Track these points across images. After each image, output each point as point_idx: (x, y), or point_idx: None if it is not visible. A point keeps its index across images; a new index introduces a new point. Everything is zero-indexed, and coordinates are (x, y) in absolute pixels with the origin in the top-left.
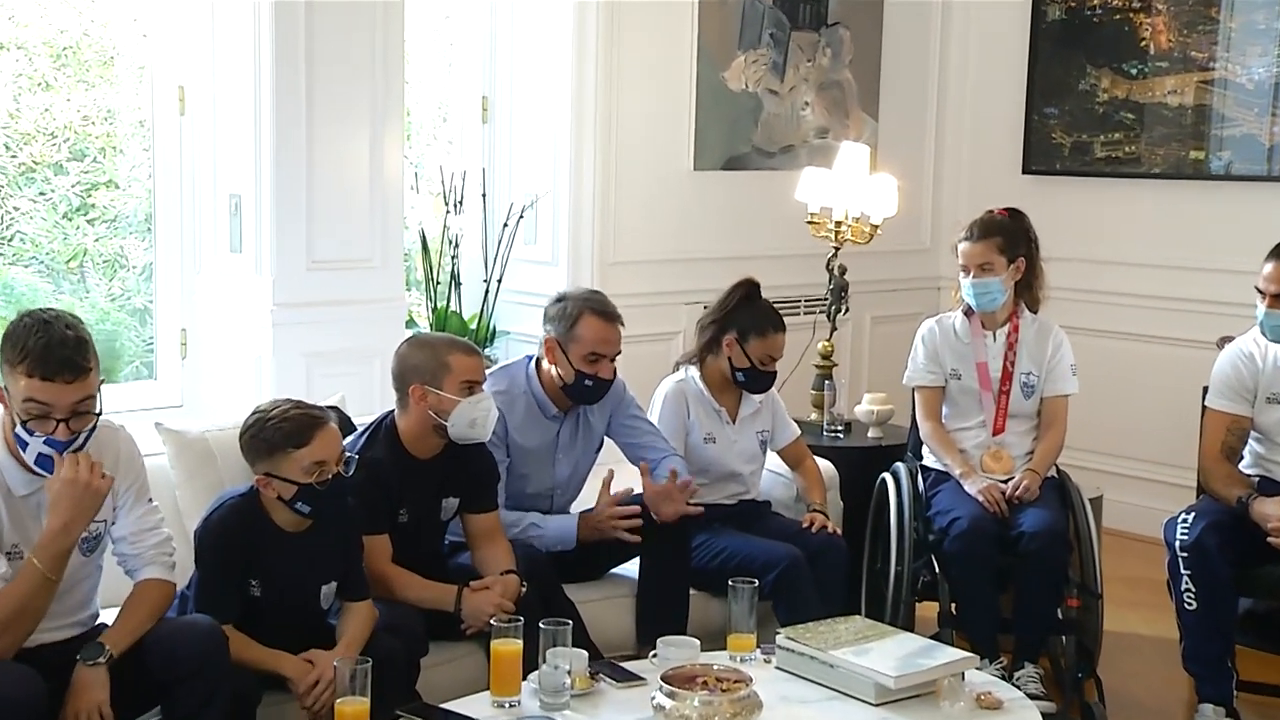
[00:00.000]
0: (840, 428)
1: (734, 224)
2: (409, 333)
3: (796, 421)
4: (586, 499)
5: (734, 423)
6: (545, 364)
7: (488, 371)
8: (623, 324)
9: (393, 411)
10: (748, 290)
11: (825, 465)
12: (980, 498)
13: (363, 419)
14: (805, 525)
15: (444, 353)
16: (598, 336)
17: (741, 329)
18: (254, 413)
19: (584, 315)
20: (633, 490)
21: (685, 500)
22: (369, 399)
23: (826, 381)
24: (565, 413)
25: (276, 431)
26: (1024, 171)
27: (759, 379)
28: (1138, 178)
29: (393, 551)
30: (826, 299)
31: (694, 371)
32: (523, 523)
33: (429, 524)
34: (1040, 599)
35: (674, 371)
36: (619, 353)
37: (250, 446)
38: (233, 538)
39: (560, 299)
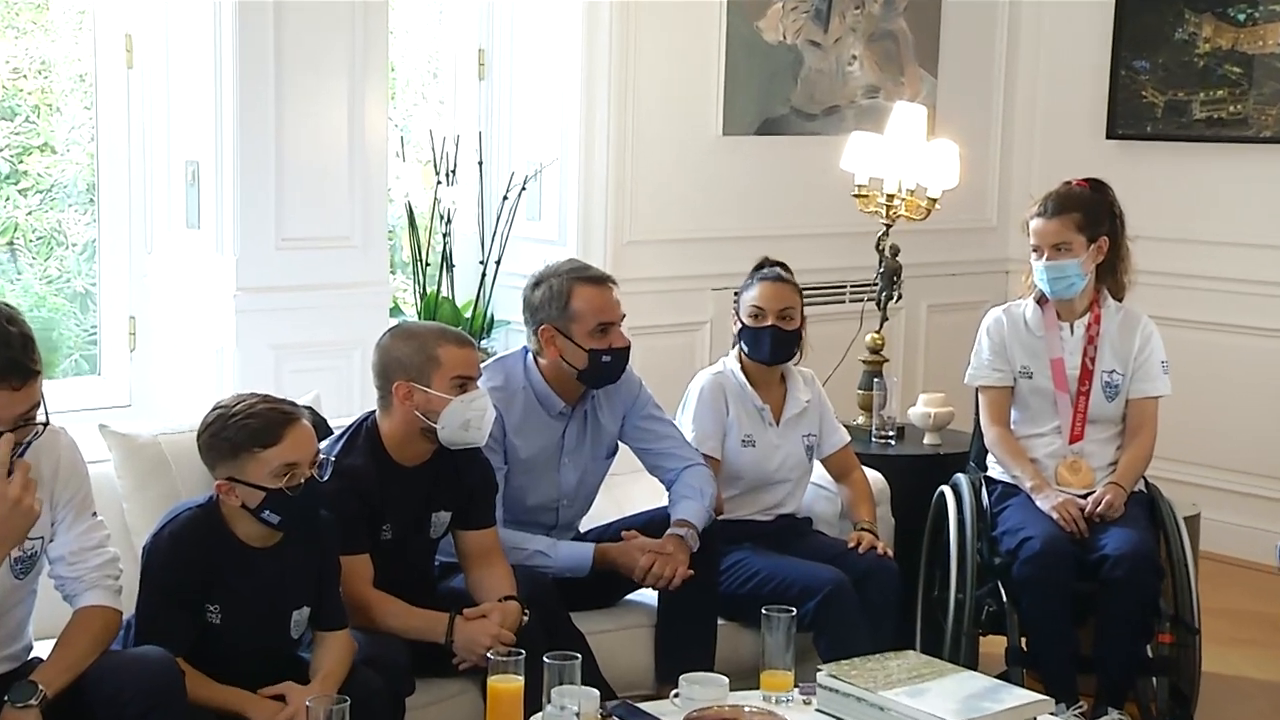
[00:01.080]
0: (892, 433)
1: (769, 197)
2: (393, 322)
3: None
4: (599, 515)
5: (777, 424)
6: (545, 359)
7: (482, 365)
8: (615, 284)
9: (374, 412)
10: (757, 264)
11: (874, 477)
12: (1055, 515)
13: (340, 421)
14: (852, 545)
15: (433, 344)
16: (598, 305)
17: (738, 295)
18: (215, 408)
19: (575, 288)
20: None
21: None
22: (347, 398)
23: (876, 380)
24: (571, 409)
25: (241, 430)
26: (1109, 136)
27: (755, 340)
28: (1244, 142)
29: (374, 574)
30: (876, 284)
31: (733, 363)
32: (526, 549)
33: (416, 542)
34: (1126, 634)
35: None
36: (624, 315)
37: (210, 447)
38: (188, 555)
39: (538, 282)
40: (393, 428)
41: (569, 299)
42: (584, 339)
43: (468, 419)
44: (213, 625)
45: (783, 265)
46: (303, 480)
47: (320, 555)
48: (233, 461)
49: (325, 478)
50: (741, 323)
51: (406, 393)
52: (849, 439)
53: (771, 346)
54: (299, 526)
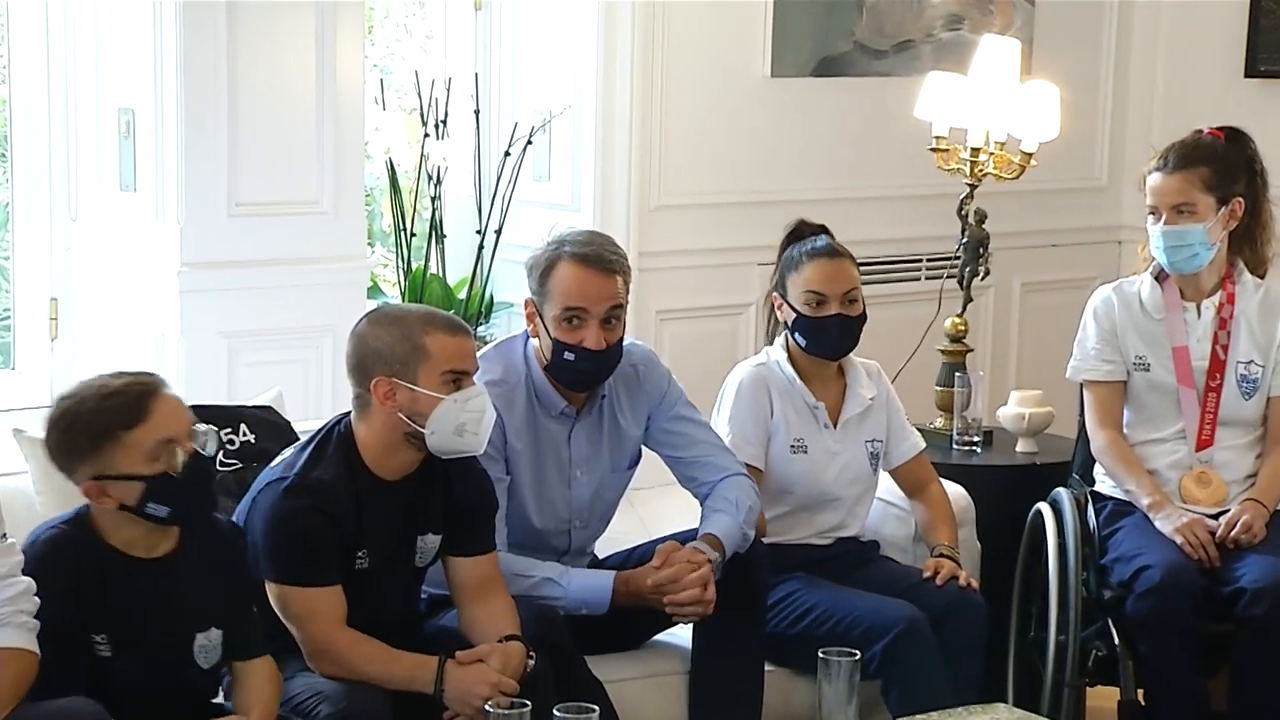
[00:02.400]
0: (977, 439)
1: (827, 152)
2: (372, 304)
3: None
4: (619, 536)
5: (835, 426)
6: (534, 342)
7: (479, 353)
8: (621, 273)
9: (348, 415)
10: (790, 230)
11: (956, 492)
12: (1178, 539)
13: (306, 425)
14: (928, 575)
15: (419, 332)
16: (571, 288)
17: (780, 275)
18: (59, 400)
19: (558, 262)
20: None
21: (703, 587)
22: (315, 397)
23: (958, 374)
24: (581, 408)
25: (98, 415)
26: (1248, 74)
27: (818, 332)
28: None
29: (348, 611)
30: (958, 258)
31: (778, 352)
32: (533, 576)
33: (399, 572)
34: (1268, 683)
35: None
36: (615, 312)
37: (64, 446)
38: (58, 581)
39: (543, 245)
40: (371, 433)
41: (549, 271)
42: (553, 325)
43: (462, 422)
44: (103, 659)
45: (826, 231)
46: (185, 458)
47: (227, 563)
48: (95, 456)
49: (213, 453)
50: (795, 311)
51: (388, 390)
52: (923, 446)
53: (838, 338)
54: (194, 513)
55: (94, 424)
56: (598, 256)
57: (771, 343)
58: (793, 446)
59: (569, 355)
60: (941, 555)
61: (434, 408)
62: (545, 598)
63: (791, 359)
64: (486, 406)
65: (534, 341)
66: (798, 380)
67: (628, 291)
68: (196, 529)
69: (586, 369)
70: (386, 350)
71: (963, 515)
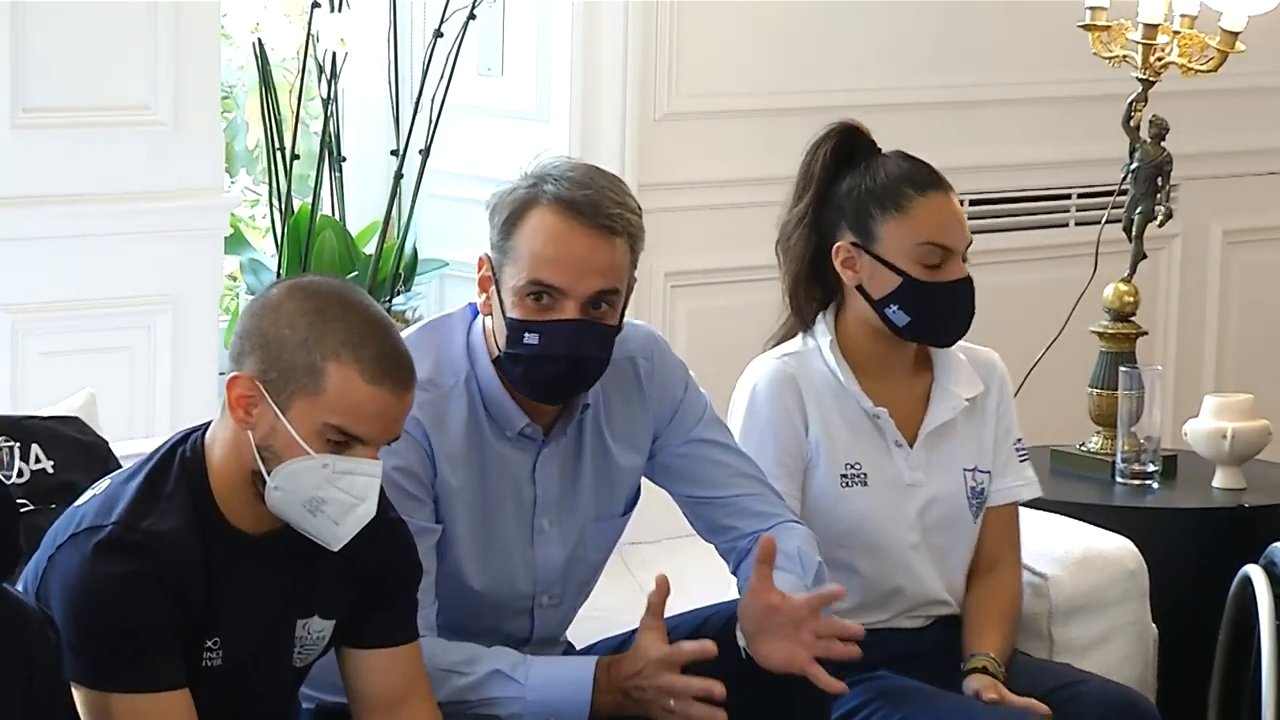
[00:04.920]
0: (1153, 469)
1: (915, 37)
2: (233, 262)
3: (1053, 456)
4: (605, 614)
5: (910, 444)
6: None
7: (404, 333)
8: (624, 235)
9: (200, 431)
10: (840, 139)
11: (1121, 548)
12: None
13: (133, 449)
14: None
15: (330, 345)
16: (543, 248)
17: (857, 212)
18: None
19: (533, 206)
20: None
21: (834, 637)
22: (146, 403)
23: (1124, 370)
24: (551, 426)
25: None
26: None
27: (934, 305)
28: None
29: None
30: (1123, 193)
31: (820, 338)
32: (472, 672)
33: (269, 672)
34: None
35: (777, 344)
36: (608, 296)
37: None
38: None
39: (511, 186)
40: (223, 455)
41: (519, 220)
42: (509, 297)
43: (320, 498)
44: None
45: (869, 142)
46: None
47: (22, 660)
48: None
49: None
50: (896, 271)
51: (247, 394)
52: (1029, 496)
53: (961, 315)
54: None
55: None
56: (592, 206)
57: (807, 325)
58: (845, 476)
59: (529, 337)
60: (979, 670)
61: (291, 456)
62: (491, 703)
63: (843, 345)
64: (368, 496)
65: (484, 321)
66: (850, 377)
67: (634, 264)
68: None
69: (557, 360)
70: (278, 345)
71: (1129, 584)
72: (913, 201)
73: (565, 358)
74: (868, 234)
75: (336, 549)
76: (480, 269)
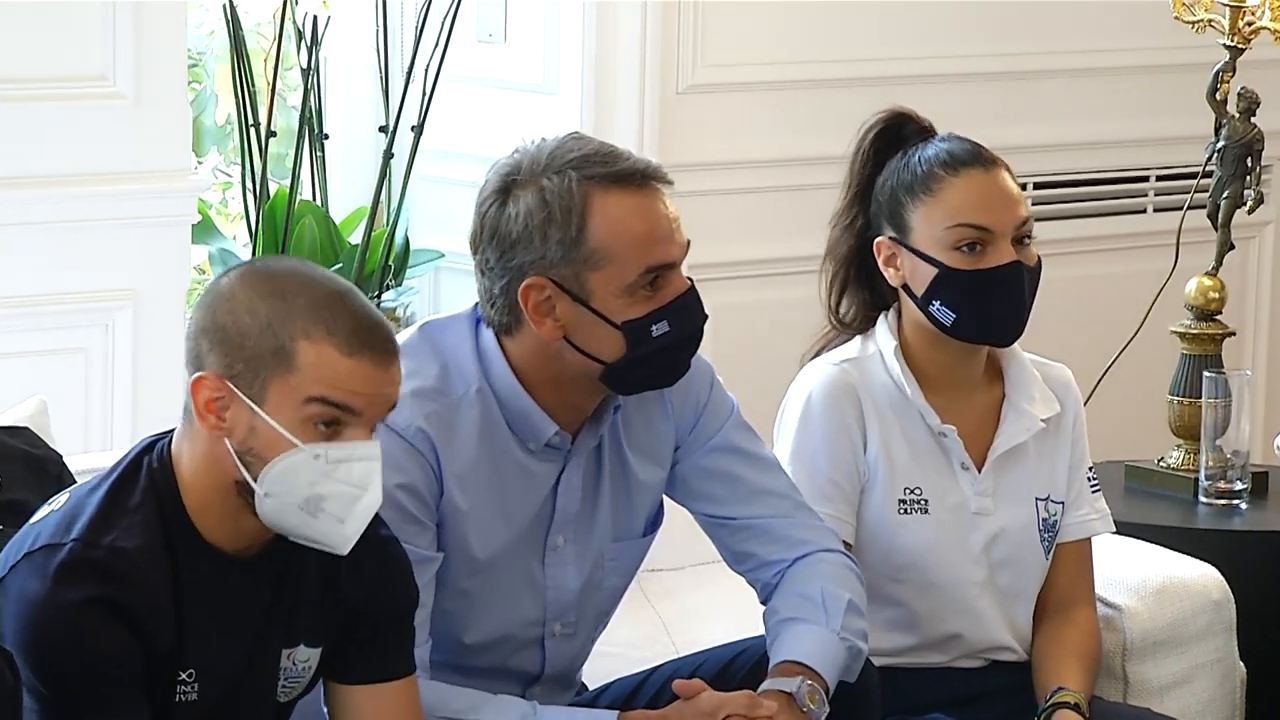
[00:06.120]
0: (1241, 487)
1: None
2: (200, 253)
3: (1128, 473)
4: (622, 651)
5: (979, 468)
6: (523, 341)
7: (400, 339)
8: (668, 183)
9: (165, 437)
10: (883, 126)
11: (1206, 576)
12: None
13: (89, 463)
14: None
15: (297, 321)
16: (640, 227)
17: (890, 203)
18: None
19: (594, 197)
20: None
21: None
22: (104, 410)
23: (1209, 376)
24: (572, 440)
25: None
26: None
27: (978, 296)
28: None
29: None
30: (1209, 175)
31: (885, 341)
32: (474, 716)
33: (249, 705)
34: None
35: (815, 356)
36: (686, 244)
37: None
38: None
39: (510, 183)
40: (195, 467)
41: (586, 217)
42: (615, 302)
43: (318, 495)
44: None
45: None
46: None
47: None
48: None
49: None
50: (931, 262)
51: (215, 398)
52: (1103, 531)
53: (1011, 306)
54: None
55: None
56: (643, 169)
57: (863, 323)
58: (904, 502)
59: (658, 328)
60: (1074, 709)
61: (277, 453)
62: None
63: (907, 353)
64: (370, 483)
65: (529, 344)
66: (916, 389)
67: None
68: None
69: (694, 335)
70: (239, 334)
71: (1214, 617)
72: (942, 183)
73: (697, 330)
74: (902, 225)
75: (346, 551)
76: (529, 297)
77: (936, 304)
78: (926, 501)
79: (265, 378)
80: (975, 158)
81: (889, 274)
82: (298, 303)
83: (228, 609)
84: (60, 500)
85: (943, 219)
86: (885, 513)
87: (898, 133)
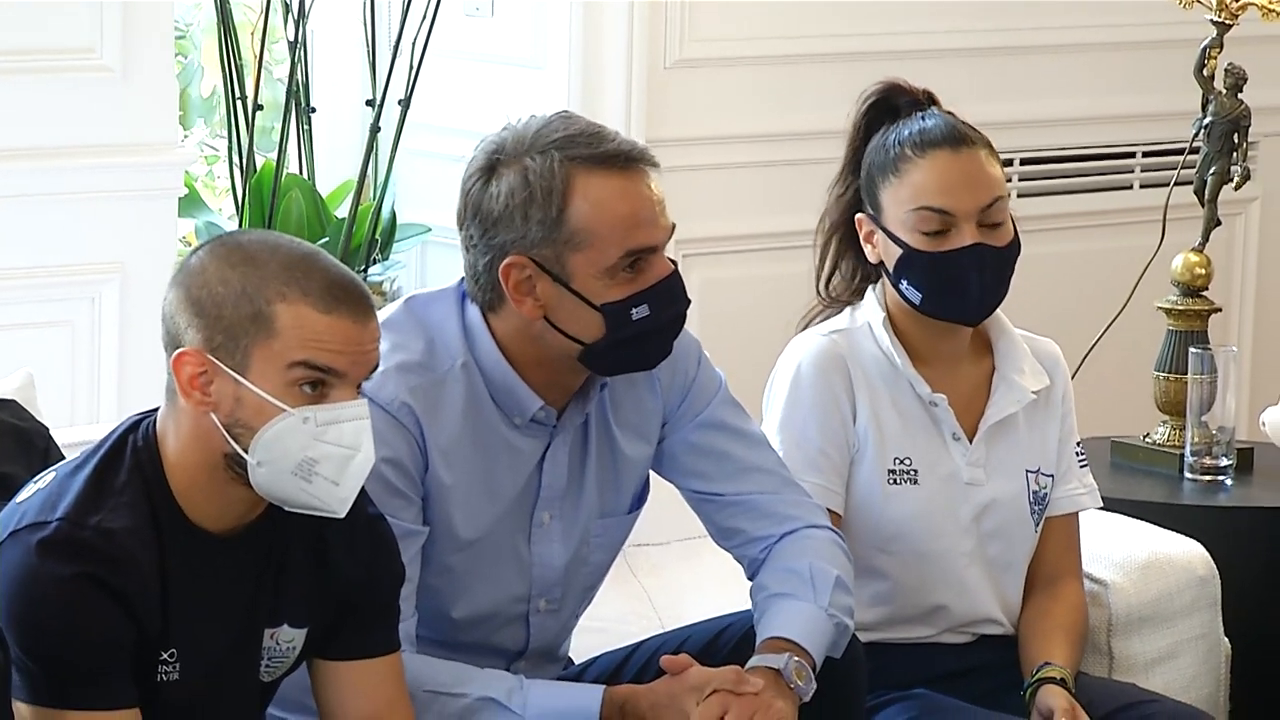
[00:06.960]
0: (1226, 463)
1: None
2: (186, 225)
3: (1114, 449)
4: (607, 626)
5: (970, 438)
6: (506, 318)
7: (381, 316)
8: (654, 166)
9: (150, 416)
10: (875, 99)
11: (1192, 552)
12: None
13: (78, 437)
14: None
15: (272, 285)
16: (624, 211)
17: (868, 181)
18: None
19: (575, 177)
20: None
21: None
22: (90, 385)
23: (1194, 352)
24: (558, 416)
25: None
26: None
27: (942, 277)
28: None
29: None
30: (1195, 152)
31: (873, 312)
32: (463, 694)
33: (232, 688)
34: None
35: (805, 328)
36: (672, 228)
37: None
38: None
39: (495, 162)
40: (180, 447)
41: (566, 201)
42: (596, 283)
43: (310, 458)
44: None
45: (934, 101)
46: None
47: None
48: None
49: None
50: (897, 242)
51: (199, 373)
52: (1090, 506)
53: (979, 287)
54: None
55: None
56: (626, 150)
57: (850, 295)
58: (893, 473)
59: (638, 311)
60: (1060, 683)
61: (266, 421)
62: None
63: (896, 325)
64: (361, 442)
65: (512, 322)
66: (905, 360)
67: None
68: None
69: (674, 321)
70: (215, 305)
71: (1199, 593)
72: (909, 164)
73: (678, 315)
74: (876, 204)
75: (343, 513)
76: (509, 275)
77: (904, 283)
78: (916, 472)
79: (246, 346)
80: (946, 138)
81: (868, 250)
82: (269, 267)
83: (213, 590)
84: (44, 479)
85: (907, 200)
86: (875, 483)
87: (890, 105)
